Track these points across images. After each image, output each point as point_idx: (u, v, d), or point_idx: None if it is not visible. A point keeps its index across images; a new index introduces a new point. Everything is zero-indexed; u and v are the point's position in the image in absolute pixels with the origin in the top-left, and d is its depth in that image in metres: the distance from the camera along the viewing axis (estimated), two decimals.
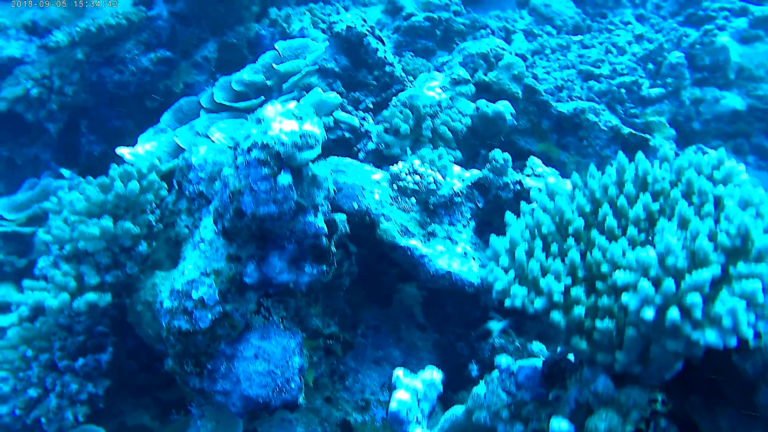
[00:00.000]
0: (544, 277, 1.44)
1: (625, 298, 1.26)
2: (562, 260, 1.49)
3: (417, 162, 2.99)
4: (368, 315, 3.30)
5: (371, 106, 4.04)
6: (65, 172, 4.06)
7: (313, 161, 2.21)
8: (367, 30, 4.16)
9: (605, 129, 4.13)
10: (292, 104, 2.28)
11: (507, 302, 1.44)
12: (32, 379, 2.76)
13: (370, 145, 3.37)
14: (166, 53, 4.05)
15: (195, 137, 3.49)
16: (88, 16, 4.01)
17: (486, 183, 3.00)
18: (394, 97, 3.71)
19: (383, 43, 4.36)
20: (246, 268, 2.33)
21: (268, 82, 3.69)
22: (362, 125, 3.82)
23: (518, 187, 3.02)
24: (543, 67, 4.68)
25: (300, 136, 2.09)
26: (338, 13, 4.79)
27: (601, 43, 4.92)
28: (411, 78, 4.21)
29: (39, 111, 3.82)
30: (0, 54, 4.00)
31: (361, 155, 3.45)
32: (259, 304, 2.40)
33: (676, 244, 1.25)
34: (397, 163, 3.16)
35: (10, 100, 3.76)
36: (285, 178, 2.07)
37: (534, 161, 3.25)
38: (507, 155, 3.01)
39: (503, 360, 1.79)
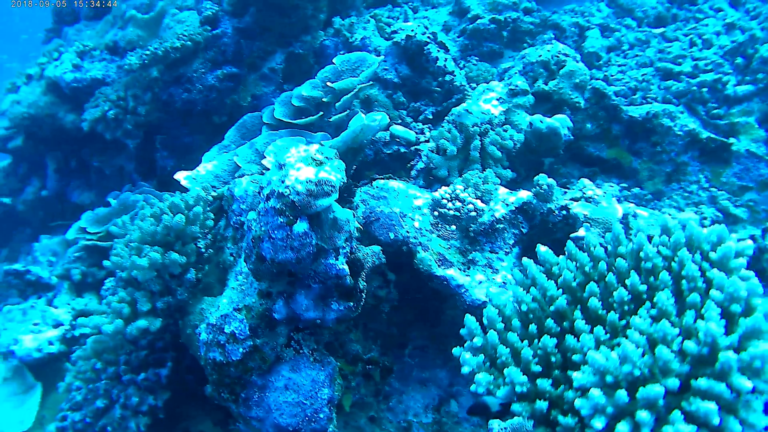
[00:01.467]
0: (515, 361, 1.43)
1: (578, 403, 1.24)
2: (539, 339, 1.47)
3: (460, 187, 2.98)
4: (416, 334, 3.36)
5: (431, 117, 4.04)
6: (144, 185, 4.38)
7: (338, 198, 2.28)
8: (429, 37, 4.14)
9: (681, 134, 3.91)
10: (314, 147, 2.35)
11: (471, 388, 1.45)
12: (100, 391, 3.04)
13: (420, 164, 3.38)
14: (232, 69, 4.24)
15: (254, 155, 3.65)
16: (161, 36, 4.26)
17: (529, 209, 2.94)
18: (452, 109, 3.69)
19: (446, 50, 4.33)
20: (275, 305, 2.45)
21: (325, 99, 3.78)
22: (419, 140, 3.83)
23: (564, 212, 2.95)
24: (619, 66, 4.44)
25: (316, 184, 2.16)
26: (405, 17, 4.78)
27: (686, 35, 4.59)
28: (473, 85, 4.16)
29: (116, 131, 4.14)
30: (85, 75, 4.35)
31: (413, 173, 3.47)
32: (290, 338, 2.53)
33: (633, 351, 1.21)
34: (444, 184, 3.17)
35: (91, 121, 4.10)
36: (301, 227, 2.16)
37: (584, 183, 3.14)
38: (552, 181, 2.94)
39: None
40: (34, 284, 4.03)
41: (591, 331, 1.41)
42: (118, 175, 4.78)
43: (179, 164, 4.32)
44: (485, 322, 1.59)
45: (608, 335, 1.39)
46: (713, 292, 1.33)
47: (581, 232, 2.84)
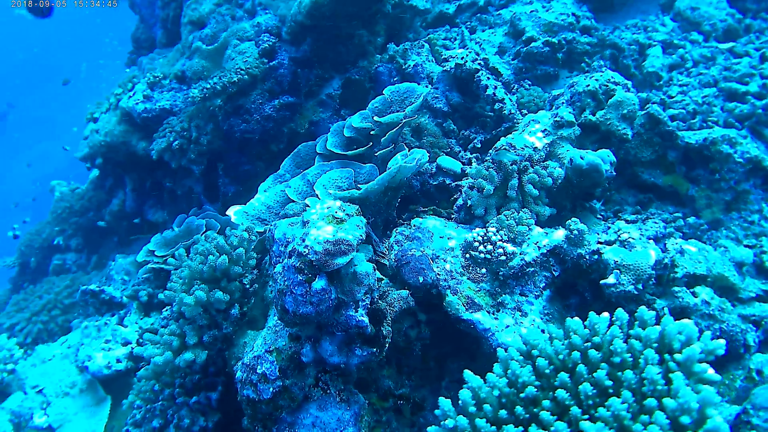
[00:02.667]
0: None
1: None
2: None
3: (492, 229, 3.06)
4: (454, 367, 3.47)
5: (479, 145, 4.12)
6: (209, 208, 4.71)
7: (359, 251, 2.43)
8: (479, 64, 4.21)
9: (741, 161, 3.81)
10: (338, 203, 2.52)
11: None
12: (157, 411, 3.35)
13: (460, 200, 3.48)
14: (289, 98, 4.47)
15: (306, 186, 3.86)
16: (223, 67, 4.54)
17: (561, 253, 2.99)
18: (500, 138, 3.76)
19: (499, 75, 4.38)
20: (303, 349, 2.64)
21: (372, 132, 3.93)
22: (464, 171, 3.92)
23: (596, 257, 2.97)
24: (680, 85, 4.34)
25: (333, 244, 2.33)
26: (461, 39, 4.84)
27: (757, 49, 4.41)
28: (524, 111, 4.20)
29: (181, 160, 4.47)
30: (155, 106, 4.71)
31: (455, 207, 3.57)
32: (318, 378, 2.71)
33: None
34: (483, 221, 3.27)
35: (158, 151, 4.46)
36: (319, 284, 2.33)
37: (620, 224, 3.14)
38: (583, 226, 2.97)
39: None
40: (107, 303, 4.45)
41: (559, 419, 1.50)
42: (188, 196, 5.15)
43: (239, 190, 4.62)
44: (459, 404, 1.70)
45: (570, 430, 1.48)
46: (666, 400, 1.38)
47: (611, 279, 2.87)
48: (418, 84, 4.40)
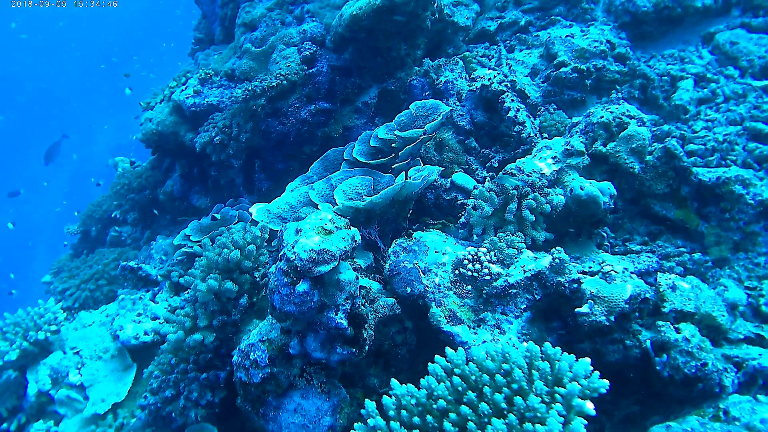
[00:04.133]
0: None
1: None
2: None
3: (483, 249, 3.34)
4: None
5: (496, 165, 4.37)
6: (244, 200, 5.14)
7: (342, 263, 2.78)
8: (506, 86, 4.45)
9: (753, 203, 3.93)
10: (330, 216, 2.87)
11: None
12: (170, 382, 3.80)
13: (462, 219, 3.76)
14: (325, 105, 4.83)
15: (329, 190, 4.22)
16: (269, 69, 4.95)
17: (543, 279, 3.24)
18: (517, 160, 4.02)
19: (525, 97, 4.61)
20: (291, 342, 3.01)
21: (393, 145, 4.25)
22: (476, 187, 4.19)
23: (575, 286, 3.21)
24: (706, 120, 4.45)
25: (318, 253, 2.68)
26: (498, 57, 5.08)
27: None
28: (545, 135, 4.42)
29: (221, 154, 4.92)
30: (203, 101, 5.17)
31: (459, 223, 3.86)
32: (303, 370, 3.08)
33: None
34: (480, 241, 3.55)
35: (201, 144, 4.92)
36: (302, 287, 2.69)
37: (605, 257, 3.36)
38: (565, 256, 3.21)
39: None
40: (144, 279, 4.95)
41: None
42: (230, 186, 5.61)
43: (272, 186, 5.03)
44: (383, 407, 2.02)
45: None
46: (538, 426, 1.66)
47: (584, 309, 3.10)
48: (447, 100, 4.69)
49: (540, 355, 1.95)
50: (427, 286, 3.29)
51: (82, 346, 4.60)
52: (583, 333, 3.26)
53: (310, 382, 3.08)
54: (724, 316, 3.50)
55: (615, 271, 3.28)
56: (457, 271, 3.35)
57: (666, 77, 4.72)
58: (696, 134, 4.40)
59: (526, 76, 4.86)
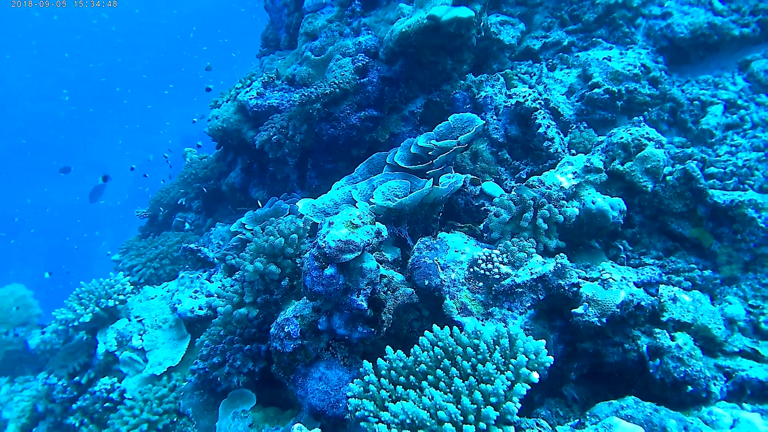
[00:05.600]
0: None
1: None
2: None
3: (497, 252, 3.84)
4: None
5: (524, 176, 4.85)
6: (295, 195, 5.78)
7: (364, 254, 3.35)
8: (540, 103, 4.92)
9: (763, 226, 4.27)
10: (359, 212, 3.44)
11: (351, 401, 2.46)
12: (218, 351, 4.45)
13: (484, 223, 4.27)
14: (373, 112, 5.41)
15: (370, 190, 4.80)
16: (325, 76, 5.57)
17: (547, 281, 3.72)
18: (544, 172, 4.49)
19: (558, 115, 5.07)
20: (320, 319, 3.60)
21: (430, 152, 4.78)
22: (501, 196, 4.68)
23: (574, 289, 3.67)
24: (731, 145, 4.80)
25: (344, 243, 3.25)
26: (539, 75, 5.55)
27: None
28: (573, 151, 4.87)
29: (277, 152, 5.57)
30: (264, 102, 5.84)
31: (482, 227, 4.37)
32: (329, 344, 3.66)
33: (423, 411, 2.16)
34: (492, 245, 4.05)
35: (260, 142, 5.59)
36: (329, 271, 3.27)
37: (605, 266, 3.80)
38: (567, 261, 3.67)
39: None
40: (202, 260, 5.65)
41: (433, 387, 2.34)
42: (285, 181, 6.26)
43: (321, 184, 5.65)
44: (377, 367, 2.58)
45: (439, 387, 2.31)
46: (486, 386, 2.19)
47: (579, 310, 3.57)
48: (486, 114, 5.20)
49: (505, 334, 2.46)
50: (444, 280, 3.82)
51: (144, 316, 5.33)
52: (585, 334, 3.72)
53: (335, 355, 3.65)
54: (720, 329, 3.88)
55: (613, 279, 3.73)
56: (471, 269, 3.86)
57: (696, 102, 5.08)
58: (719, 158, 4.76)
59: (563, 95, 5.30)
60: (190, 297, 5.15)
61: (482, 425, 2.08)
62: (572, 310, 3.62)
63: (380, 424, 2.26)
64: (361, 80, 5.39)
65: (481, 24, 5.33)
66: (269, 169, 6.34)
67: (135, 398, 4.63)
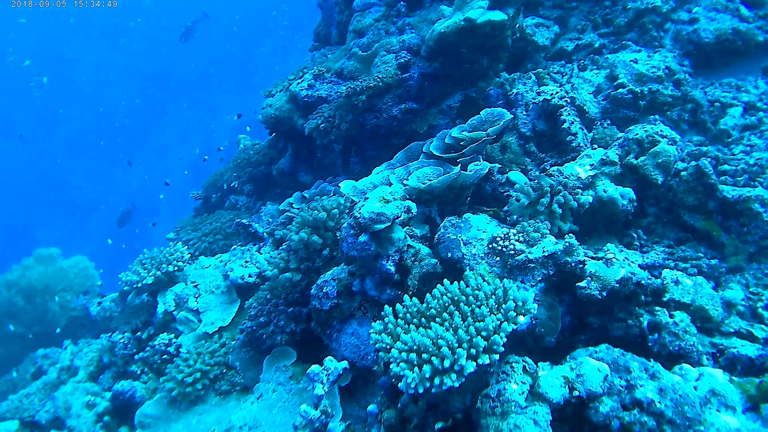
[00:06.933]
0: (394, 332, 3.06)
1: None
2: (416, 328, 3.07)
3: (514, 231, 4.42)
4: None
5: (548, 167, 5.40)
6: (340, 179, 6.45)
7: (390, 226, 3.99)
8: (566, 101, 5.47)
9: None
10: (390, 190, 4.07)
11: (372, 336, 3.09)
12: (264, 311, 5.14)
13: (506, 207, 4.85)
14: (413, 105, 6.03)
15: (406, 174, 5.42)
16: (371, 71, 6.22)
17: (557, 258, 4.28)
18: (565, 164, 5.05)
19: (583, 112, 5.60)
20: (354, 282, 4.24)
21: (462, 143, 5.38)
22: (526, 183, 5.25)
23: (580, 266, 4.22)
24: (747, 145, 5.26)
25: (377, 214, 3.89)
26: (570, 75, 6.09)
27: None
28: (595, 146, 5.40)
29: (324, 138, 6.24)
30: (314, 94, 6.53)
31: (505, 209, 4.94)
32: (361, 304, 4.30)
33: (426, 339, 2.78)
34: (511, 226, 4.63)
35: (309, 129, 6.27)
36: (363, 238, 3.91)
37: (610, 246, 4.33)
38: (574, 241, 4.22)
39: None
40: (252, 235, 6.37)
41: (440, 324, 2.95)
42: (331, 166, 6.94)
43: (363, 170, 6.29)
44: (395, 311, 3.20)
45: (445, 327, 2.92)
46: (479, 323, 2.79)
47: (583, 283, 4.12)
48: (516, 109, 5.77)
49: (501, 287, 3.05)
50: (465, 254, 4.41)
51: (199, 282, 6.08)
52: (592, 310, 4.26)
53: (366, 314, 4.29)
54: (717, 310, 4.37)
55: (616, 259, 4.26)
56: (490, 245, 4.45)
57: (717, 103, 5.54)
58: (733, 156, 5.23)
59: (590, 94, 5.82)
60: (241, 266, 5.87)
61: (473, 351, 2.68)
62: (576, 284, 4.17)
63: (393, 350, 2.89)
64: (403, 75, 6.01)
65: (516, 26, 5.89)
66: (317, 155, 7.02)
67: (189, 352, 5.35)
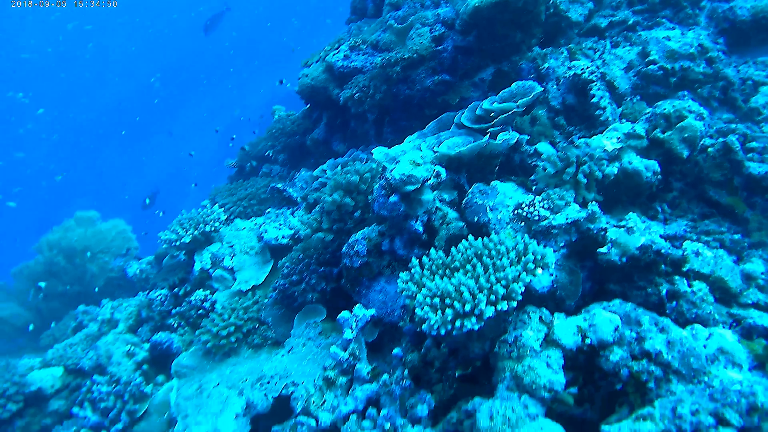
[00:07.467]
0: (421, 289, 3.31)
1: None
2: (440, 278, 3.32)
3: (539, 198, 4.63)
4: None
5: (575, 140, 5.58)
6: (371, 147, 6.69)
7: (420, 189, 4.23)
8: (596, 76, 5.63)
9: None
10: (420, 154, 4.31)
11: (400, 284, 3.35)
12: (296, 270, 5.42)
13: (533, 176, 5.05)
14: (446, 77, 6.24)
15: (437, 143, 5.65)
16: (406, 43, 6.43)
17: (579, 225, 4.48)
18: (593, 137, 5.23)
19: (613, 87, 5.76)
20: (384, 241, 4.50)
21: (492, 114, 5.57)
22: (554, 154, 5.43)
23: (602, 233, 4.42)
24: None
25: (407, 177, 4.13)
26: (603, 51, 6.23)
27: None
28: (623, 120, 5.56)
29: (358, 108, 6.48)
30: (350, 64, 6.76)
31: (532, 179, 5.15)
32: (390, 263, 4.56)
33: (449, 285, 3.03)
34: (536, 194, 4.84)
35: (344, 98, 6.52)
36: (393, 198, 4.16)
37: (632, 216, 4.52)
38: (597, 209, 4.42)
39: None
40: (287, 199, 6.66)
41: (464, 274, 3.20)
42: (365, 136, 7.18)
43: (396, 139, 6.53)
44: (421, 262, 3.45)
45: (468, 276, 3.16)
46: (500, 273, 3.02)
47: (604, 249, 4.32)
48: (547, 83, 5.94)
49: (521, 242, 3.28)
50: (491, 219, 4.63)
51: (235, 242, 6.39)
52: (613, 277, 4.46)
53: (394, 272, 4.54)
54: (735, 281, 4.54)
55: (637, 228, 4.45)
56: (515, 212, 4.66)
57: (749, 81, 5.65)
58: (763, 134, 5.35)
59: (621, 70, 5.96)
60: (275, 228, 6.16)
61: (492, 297, 2.92)
62: (597, 250, 4.37)
63: (419, 295, 3.15)
64: (437, 48, 6.21)
65: (550, 1, 6.05)
66: (350, 124, 7.27)
67: (224, 307, 5.68)
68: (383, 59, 6.16)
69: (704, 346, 3.30)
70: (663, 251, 4.40)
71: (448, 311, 2.97)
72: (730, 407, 2.81)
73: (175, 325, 5.95)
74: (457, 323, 2.95)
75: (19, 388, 6.21)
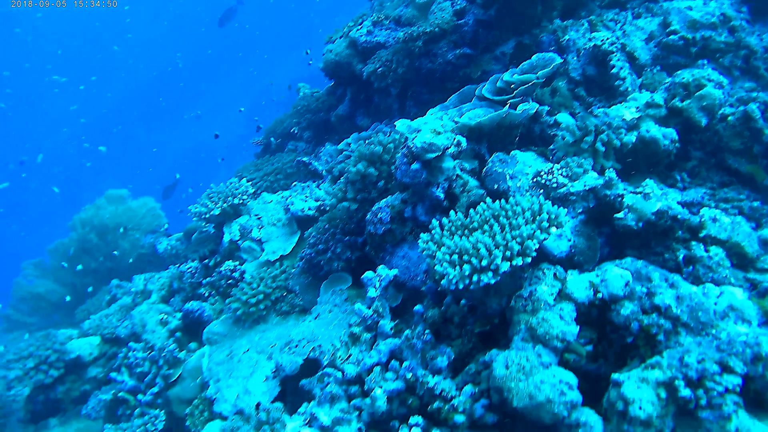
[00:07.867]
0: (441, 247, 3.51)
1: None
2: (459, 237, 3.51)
3: (557, 166, 4.79)
4: None
5: (595, 111, 5.71)
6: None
7: (439, 157, 4.41)
8: (616, 47, 5.75)
9: None
10: (441, 123, 4.49)
11: (421, 245, 3.55)
12: (322, 240, 5.65)
13: (552, 146, 5.21)
14: (467, 50, 6.38)
15: (459, 115, 5.82)
16: (428, 18, 6.59)
17: (597, 192, 4.64)
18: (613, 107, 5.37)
19: (635, 58, 5.87)
20: (406, 208, 4.70)
21: (512, 86, 5.72)
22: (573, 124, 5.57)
23: (619, 199, 4.57)
24: None
25: (428, 145, 4.32)
26: (624, 22, 6.32)
27: None
28: (644, 90, 5.67)
29: (381, 82, 6.67)
30: (373, 39, 6.94)
31: (551, 148, 5.30)
32: (412, 229, 4.75)
33: (467, 243, 3.23)
34: (555, 162, 4.99)
35: (368, 73, 6.70)
36: (415, 166, 4.35)
37: (649, 182, 4.66)
38: (614, 175, 4.56)
39: None
40: (312, 172, 6.88)
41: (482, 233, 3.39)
42: (388, 110, 7.37)
43: (418, 112, 6.71)
44: (441, 223, 3.65)
45: (485, 234, 3.36)
46: (515, 231, 3.21)
47: (620, 215, 4.47)
48: (567, 55, 6.07)
49: (537, 203, 3.46)
50: (510, 186, 4.80)
51: (262, 215, 6.64)
52: (630, 244, 4.62)
53: (416, 238, 4.68)
54: (752, 247, 4.67)
55: (654, 194, 4.59)
56: (534, 179, 4.82)
57: None
58: None
59: (642, 41, 6.06)
60: (302, 200, 6.39)
61: (508, 253, 3.11)
62: (614, 215, 4.53)
63: (438, 253, 3.35)
64: (459, 22, 6.35)
65: None
66: (374, 99, 7.46)
67: (253, 276, 5.93)
68: (405, 34, 6.32)
69: (715, 303, 3.45)
70: (679, 217, 4.53)
71: (466, 266, 3.16)
72: (735, 356, 2.98)
73: (206, 295, 6.22)
74: (474, 277, 3.14)
75: (59, 356, 6.56)
